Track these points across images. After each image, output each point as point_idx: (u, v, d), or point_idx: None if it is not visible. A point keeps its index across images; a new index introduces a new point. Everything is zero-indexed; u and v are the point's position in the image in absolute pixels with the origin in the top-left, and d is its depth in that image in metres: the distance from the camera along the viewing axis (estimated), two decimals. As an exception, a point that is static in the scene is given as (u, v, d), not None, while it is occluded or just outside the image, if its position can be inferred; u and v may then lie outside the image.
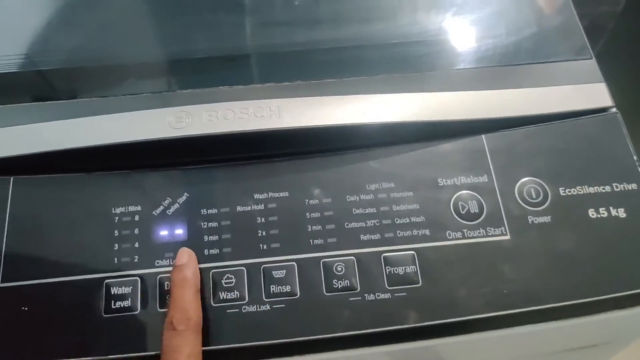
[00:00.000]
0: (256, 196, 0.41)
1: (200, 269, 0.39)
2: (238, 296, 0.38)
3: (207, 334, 0.37)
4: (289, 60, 0.47)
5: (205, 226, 0.40)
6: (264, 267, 0.39)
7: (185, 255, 0.38)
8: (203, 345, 0.37)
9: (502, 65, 0.46)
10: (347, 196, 0.41)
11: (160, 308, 0.38)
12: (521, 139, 0.43)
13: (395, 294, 0.38)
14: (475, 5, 0.52)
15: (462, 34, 0.49)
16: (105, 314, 0.37)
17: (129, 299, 0.38)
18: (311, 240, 0.40)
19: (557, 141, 0.43)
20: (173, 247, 0.39)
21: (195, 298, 0.37)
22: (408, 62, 0.47)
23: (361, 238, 0.40)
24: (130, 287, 0.38)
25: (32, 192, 0.40)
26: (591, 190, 0.41)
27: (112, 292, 0.38)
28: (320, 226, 0.40)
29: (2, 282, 0.38)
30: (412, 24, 0.49)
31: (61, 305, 0.37)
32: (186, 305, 0.36)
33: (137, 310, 0.38)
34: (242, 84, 0.44)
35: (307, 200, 0.41)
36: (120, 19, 0.51)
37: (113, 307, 0.38)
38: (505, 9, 0.50)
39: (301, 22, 0.50)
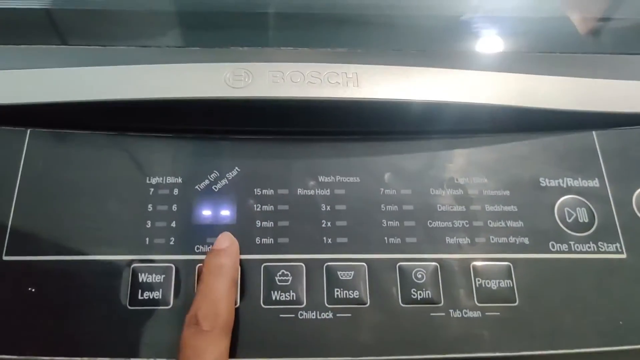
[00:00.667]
0: (321, 179, 0.34)
1: (248, 260, 0.32)
2: (294, 298, 0.31)
3: (252, 342, 0.30)
4: (367, 24, 0.40)
5: (258, 209, 0.33)
6: (327, 265, 0.32)
7: (227, 240, 0.31)
8: (245, 357, 0.29)
9: (617, 53, 0.39)
10: (431, 189, 0.34)
11: (198, 304, 0.30)
12: (640, 139, 0.36)
13: (487, 313, 0.31)
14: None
15: (570, 12, 0.42)
16: (129, 305, 0.30)
17: (160, 290, 0.31)
18: (386, 238, 0.32)
19: (684, 146, 0.35)
20: (217, 231, 0.32)
21: (230, 292, 0.29)
22: (506, 39, 0.40)
23: (447, 241, 0.33)
24: (163, 276, 0.31)
25: (52, 149, 0.33)
26: None
27: (140, 280, 0.31)
28: (397, 222, 0.33)
29: (6, 254, 0.30)
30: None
31: (76, 290, 0.30)
32: (217, 297, 0.29)
33: (168, 304, 0.30)
34: (310, 46, 0.37)
35: (382, 189, 0.34)
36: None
37: (140, 298, 0.30)
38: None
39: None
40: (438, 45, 0.38)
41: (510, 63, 0.37)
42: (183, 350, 0.27)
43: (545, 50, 0.39)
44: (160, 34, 0.39)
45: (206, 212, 0.33)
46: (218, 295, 0.29)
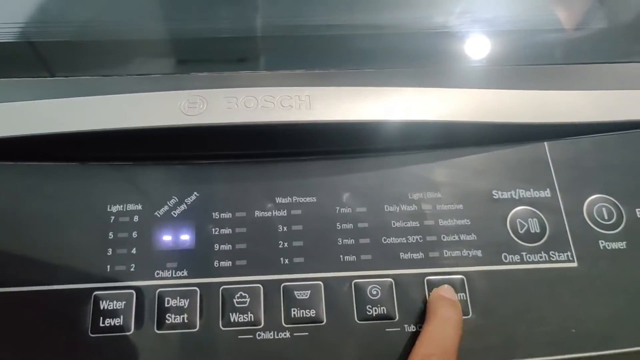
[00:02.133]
0: (278, 200, 0.35)
1: (207, 283, 0.33)
2: (252, 319, 0.32)
3: (212, 364, 0.31)
4: (321, 45, 0.41)
5: (216, 232, 0.34)
6: (284, 285, 0.32)
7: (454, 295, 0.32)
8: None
9: (568, 63, 0.40)
10: (386, 206, 0.35)
11: (159, 329, 0.31)
12: (590, 148, 0.37)
13: (441, 327, 0.32)
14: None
15: (522, 25, 0.43)
16: (91, 333, 0.31)
17: (121, 317, 0.31)
18: (341, 256, 0.33)
19: (634, 154, 0.36)
20: (177, 255, 0.33)
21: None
22: (459, 53, 0.41)
23: (401, 256, 0.33)
24: (124, 302, 0.32)
25: (14, 182, 0.34)
26: (675, 213, 0.35)
27: (102, 307, 0.31)
28: (352, 240, 0.34)
29: (-33, 288, 0.31)
30: (463, 12, 0.43)
31: (38, 320, 0.31)
32: (449, 349, 0.29)
33: (130, 330, 0.31)
34: (266, 69, 0.38)
35: (338, 208, 0.34)
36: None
37: (101, 325, 0.31)
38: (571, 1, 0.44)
39: (338, 2, 0.44)
40: (393, 63, 0.39)
41: (463, 78, 0.38)
42: None
43: (496, 64, 0.40)
44: (121, 62, 0.39)
45: (166, 238, 0.34)
46: (451, 346, 0.29)
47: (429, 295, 0.32)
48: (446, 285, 0.32)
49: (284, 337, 0.31)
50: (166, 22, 0.42)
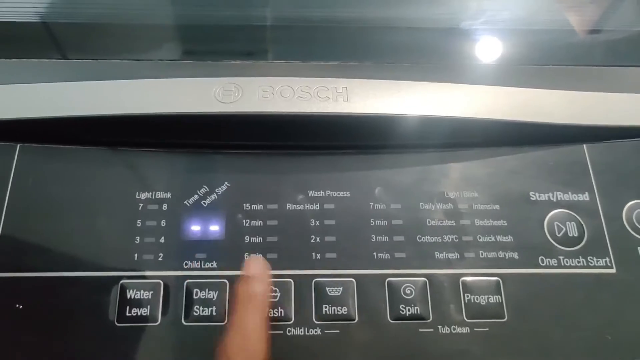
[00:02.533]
0: (311, 193, 0.34)
1: (237, 276, 0.31)
2: (283, 315, 0.31)
3: (241, 359, 0.30)
4: (357, 37, 0.40)
5: (247, 224, 0.33)
6: (315, 281, 0.32)
7: (257, 266, 0.29)
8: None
9: (608, 65, 0.39)
10: (421, 203, 0.34)
11: (186, 321, 0.30)
12: (631, 153, 0.36)
13: (475, 329, 0.31)
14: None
15: (562, 25, 0.42)
16: (117, 322, 0.30)
17: (148, 307, 0.31)
18: (375, 254, 0.32)
19: (675, 159, 0.35)
20: (206, 246, 0.32)
21: (262, 327, 0.27)
22: (499, 52, 0.40)
23: (436, 256, 0.33)
24: (151, 292, 0.31)
25: (41, 165, 0.33)
26: None
27: (128, 296, 0.31)
28: (386, 237, 0.33)
29: (-6, 271, 0.31)
30: (502, 11, 0.42)
31: (63, 307, 0.30)
32: (248, 333, 0.27)
33: (156, 321, 0.30)
34: (301, 59, 0.37)
35: (372, 204, 0.34)
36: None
37: (128, 314, 0.30)
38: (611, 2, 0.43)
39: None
40: (431, 58, 0.38)
41: (501, 76, 0.37)
42: None
43: (536, 63, 0.39)
44: (154, 47, 0.39)
45: (195, 228, 0.33)
46: (249, 330, 0.27)
47: (464, 296, 0.32)
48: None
49: (315, 333, 0.31)
50: (199, 8, 0.41)
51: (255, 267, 0.29)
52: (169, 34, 0.39)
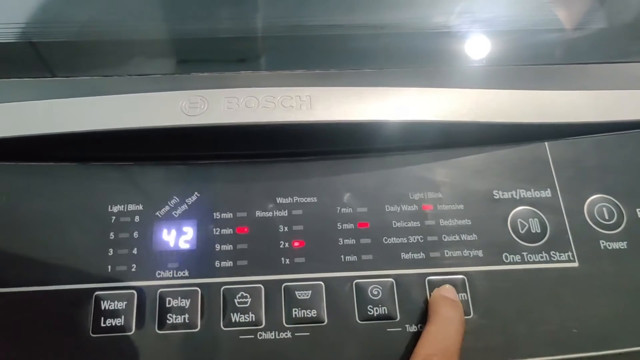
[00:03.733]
0: (279, 200, 0.35)
1: (208, 283, 0.32)
2: (253, 320, 0.32)
3: (213, 364, 0.31)
4: (321, 45, 0.41)
5: (217, 233, 0.34)
6: (285, 285, 0.32)
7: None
8: (208, 377, 0.30)
9: (567, 63, 0.40)
10: (387, 206, 0.35)
11: (160, 329, 0.31)
12: (591, 149, 0.37)
13: (442, 327, 0.32)
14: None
15: (521, 25, 0.43)
16: (93, 333, 0.31)
17: (122, 317, 0.31)
18: (342, 257, 0.33)
19: (634, 154, 0.36)
20: (178, 255, 0.33)
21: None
22: (458, 53, 0.41)
23: (402, 257, 0.33)
24: (125, 302, 0.32)
25: (15, 182, 0.34)
26: (676, 213, 0.35)
27: (103, 307, 0.31)
28: (353, 240, 0.34)
29: (-31, 288, 0.31)
30: (463, 13, 0.43)
31: (39, 321, 0.31)
32: (451, 349, 0.29)
33: (131, 330, 0.31)
34: (267, 69, 0.38)
35: (338, 208, 0.34)
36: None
37: (103, 325, 0.31)
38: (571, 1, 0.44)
39: (338, 2, 0.44)
40: (392, 63, 0.39)
41: (462, 78, 0.38)
42: None
43: (495, 64, 0.40)
44: (123, 63, 0.39)
45: (167, 238, 0.34)
46: (452, 346, 0.29)
47: (430, 295, 0.32)
48: (447, 285, 0.32)
49: (285, 337, 0.31)
50: (166, 23, 0.42)
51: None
52: (136, 49, 0.40)
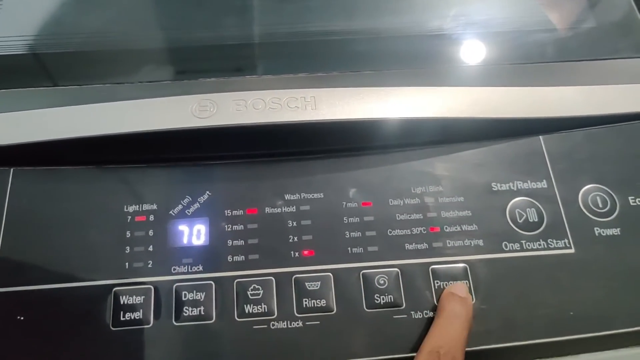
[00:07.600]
0: (287, 197, 0.36)
1: (221, 277, 0.34)
2: (266, 310, 0.33)
3: (228, 354, 0.32)
4: (323, 49, 0.43)
5: (229, 229, 0.35)
6: (295, 277, 0.34)
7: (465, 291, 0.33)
8: (223, 366, 0.32)
9: (559, 61, 0.42)
10: (390, 200, 0.36)
11: (177, 321, 0.33)
12: (583, 141, 0.38)
13: (446, 313, 0.33)
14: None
15: (515, 26, 0.45)
16: (113, 327, 0.32)
17: (141, 310, 0.33)
18: (349, 249, 0.35)
19: (624, 145, 0.38)
20: (192, 251, 0.35)
21: (465, 342, 0.31)
22: (455, 54, 0.42)
23: (406, 247, 0.35)
24: (143, 297, 0.33)
25: (35, 186, 0.36)
26: (665, 200, 0.36)
27: (122, 302, 0.33)
28: (359, 233, 0.35)
29: (-4, 286, 0.33)
30: (458, 15, 0.45)
31: (62, 316, 0.33)
32: (457, 342, 0.31)
33: (149, 323, 0.33)
34: (271, 73, 0.40)
35: (344, 203, 0.36)
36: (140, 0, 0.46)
37: (122, 319, 0.33)
38: (560, 1, 0.46)
39: (338, 9, 0.45)
40: (390, 65, 0.41)
41: (459, 77, 0.40)
42: None
43: (491, 64, 0.41)
44: (135, 70, 0.41)
45: (181, 235, 0.35)
46: (458, 340, 0.31)
47: (434, 283, 0.34)
48: (459, 282, 0.34)
49: (297, 326, 0.33)
50: (174, 31, 0.44)
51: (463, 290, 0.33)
52: (146, 58, 0.42)
